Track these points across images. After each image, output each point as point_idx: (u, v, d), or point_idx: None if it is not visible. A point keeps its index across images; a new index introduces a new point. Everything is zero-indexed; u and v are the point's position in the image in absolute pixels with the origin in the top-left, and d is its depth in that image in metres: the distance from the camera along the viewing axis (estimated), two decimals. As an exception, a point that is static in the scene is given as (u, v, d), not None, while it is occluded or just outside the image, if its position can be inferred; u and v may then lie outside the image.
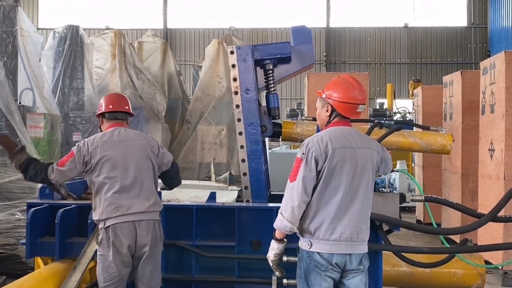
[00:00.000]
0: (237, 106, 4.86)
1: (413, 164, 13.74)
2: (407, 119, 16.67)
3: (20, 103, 7.21)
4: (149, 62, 11.78)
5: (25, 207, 4.78)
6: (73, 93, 8.47)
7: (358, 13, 25.52)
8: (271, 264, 3.60)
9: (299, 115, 16.61)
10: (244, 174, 4.87)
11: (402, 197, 4.17)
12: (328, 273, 3.38)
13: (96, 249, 4.08)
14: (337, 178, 3.36)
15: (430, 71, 25.25)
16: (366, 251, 3.48)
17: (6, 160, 6.76)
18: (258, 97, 5.01)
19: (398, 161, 12.67)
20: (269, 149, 11.83)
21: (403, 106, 18.78)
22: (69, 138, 8.23)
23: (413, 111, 13.39)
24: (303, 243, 3.46)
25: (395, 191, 4.02)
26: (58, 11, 25.89)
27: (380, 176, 4.08)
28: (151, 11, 25.98)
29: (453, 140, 5.43)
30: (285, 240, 3.53)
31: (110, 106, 4.19)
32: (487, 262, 5.71)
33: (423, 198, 4.22)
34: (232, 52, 4.87)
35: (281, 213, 3.41)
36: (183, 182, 4.77)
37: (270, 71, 4.99)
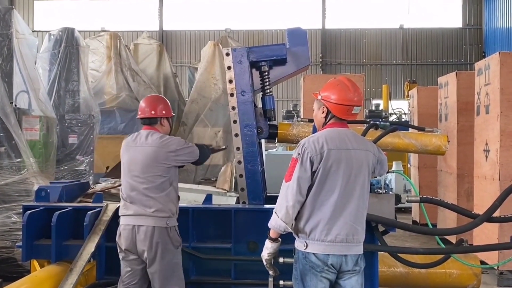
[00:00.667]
0: (233, 108, 4.86)
1: (409, 165, 13.77)
2: (403, 120, 16.70)
3: (15, 105, 7.19)
4: (145, 64, 11.77)
5: (21, 210, 4.78)
6: (68, 95, 8.45)
7: (353, 14, 25.56)
8: (265, 263, 3.63)
9: (295, 116, 16.61)
10: (240, 175, 4.88)
11: (398, 198, 4.19)
12: (324, 274, 3.39)
13: (92, 252, 4.09)
14: (332, 179, 3.38)
15: (426, 72, 25.31)
16: (362, 252, 3.49)
17: (2, 163, 6.77)
18: (254, 99, 5.02)
19: (394, 162, 12.71)
20: (265, 150, 11.83)
21: (399, 107, 18.81)
22: (65, 141, 8.21)
23: (409, 112, 13.43)
24: (298, 244, 3.48)
25: (390, 192, 4.03)
26: (53, 13, 25.84)
27: (376, 177, 4.09)
28: (146, 13, 25.96)
29: (449, 141, 5.44)
30: (279, 239, 3.55)
31: (139, 113, 4.44)
32: (482, 263, 5.73)
33: (419, 199, 4.23)
34: (227, 54, 4.87)
35: (275, 213, 3.43)
36: (181, 185, 4.81)
37: (266, 73, 5.00)
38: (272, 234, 3.52)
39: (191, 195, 5.49)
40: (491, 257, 6.64)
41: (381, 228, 4.19)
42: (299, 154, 3.43)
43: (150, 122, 4.38)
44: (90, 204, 4.81)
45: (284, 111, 19.03)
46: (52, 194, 4.83)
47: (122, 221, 4.16)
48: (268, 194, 5.38)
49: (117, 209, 4.53)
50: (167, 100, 4.55)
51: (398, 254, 4.32)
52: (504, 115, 6.80)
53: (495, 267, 6.72)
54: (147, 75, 11.26)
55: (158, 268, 4.07)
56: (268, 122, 5.14)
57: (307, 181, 3.39)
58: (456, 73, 8.78)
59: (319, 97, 3.61)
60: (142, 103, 4.44)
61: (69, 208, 4.57)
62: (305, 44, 5.10)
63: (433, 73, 24.24)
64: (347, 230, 3.39)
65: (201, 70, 11.36)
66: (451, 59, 25.27)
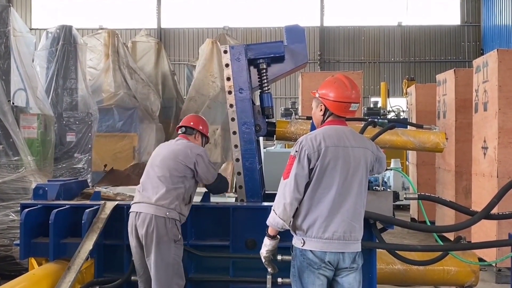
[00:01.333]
0: (231, 106, 4.86)
1: (407, 162, 13.77)
2: (401, 117, 16.71)
3: (13, 103, 7.18)
4: (143, 62, 11.78)
5: (19, 208, 4.77)
6: (66, 93, 8.44)
7: (352, 12, 25.55)
8: (263, 260, 3.64)
9: (293, 114, 16.61)
10: (239, 173, 4.88)
11: (396, 195, 4.19)
12: (322, 271, 3.39)
13: (90, 250, 4.10)
14: (330, 176, 3.38)
15: (424, 70, 25.32)
16: (359, 250, 3.49)
17: (0, 161, 6.76)
18: (252, 96, 5.01)
19: (392, 160, 12.72)
20: (264, 148, 11.83)
21: (397, 104, 18.83)
22: (63, 139, 8.21)
23: (407, 109, 13.43)
24: (296, 241, 3.48)
25: (388, 189, 4.02)
26: (51, 11, 25.79)
27: (374, 175, 4.08)
28: (144, 10, 25.92)
29: (447, 138, 5.45)
30: (278, 236, 3.56)
31: (181, 123, 4.83)
32: (480, 260, 5.73)
33: (417, 196, 4.24)
34: (225, 52, 4.87)
35: (273, 210, 3.44)
36: None
37: (264, 70, 4.99)
38: (270, 231, 3.53)
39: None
40: (489, 254, 6.65)
41: (379, 226, 4.19)
42: (296, 151, 3.44)
43: (186, 131, 4.70)
44: (88, 202, 4.80)
45: (282, 109, 19.06)
46: (50, 192, 4.82)
47: (130, 209, 4.33)
48: (266, 192, 5.38)
49: (115, 207, 4.53)
50: (207, 123, 4.91)
51: (396, 251, 4.33)
52: (502, 112, 6.80)
53: (493, 264, 6.72)
54: (145, 73, 11.26)
55: (153, 259, 4.12)
56: (266, 120, 5.13)
57: (305, 178, 3.39)
58: (454, 70, 8.78)
59: (317, 95, 3.62)
60: (186, 117, 4.85)
61: (67, 206, 4.56)
62: (303, 42, 5.10)
63: (431, 70, 24.26)
64: (345, 228, 3.39)
65: (199, 68, 11.38)
66: (449, 56, 25.27)
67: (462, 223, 4.05)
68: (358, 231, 3.47)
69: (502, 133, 6.79)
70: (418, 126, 5.81)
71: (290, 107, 18.71)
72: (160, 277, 4.13)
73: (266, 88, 5.06)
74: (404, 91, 18.07)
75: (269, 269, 3.73)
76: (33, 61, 8.03)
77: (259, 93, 5.18)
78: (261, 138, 6.58)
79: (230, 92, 4.85)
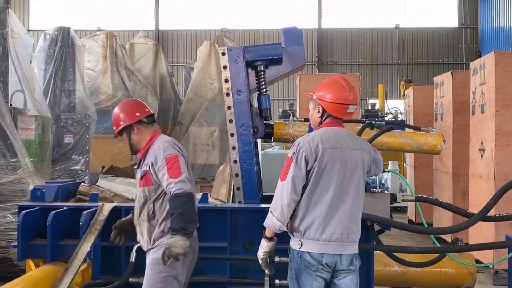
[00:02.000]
0: (229, 108, 4.86)
1: (404, 164, 13.79)
2: (399, 119, 16.73)
3: (11, 105, 7.17)
4: (141, 63, 11.78)
5: (17, 210, 4.76)
6: (64, 95, 8.44)
7: (349, 14, 25.58)
8: (261, 262, 3.63)
9: (291, 116, 16.62)
10: (236, 175, 4.88)
11: (393, 197, 4.20)
12: (319, 273, 3.39)
13: (88, 252, 4.08)
14: (327, 178, 3.39)
15: (421, 72, 25.35)
16: (357, 251, 3.50)
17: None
18: (249, 98, 5.02)
19: (389, 162, 12.74)
20: (261, 150, 11.84)
21: (395, 106, 18.86)
22: (61, 140, 8.20)
23: (405, 111, 13.46)
24: (293, 243, 3.48)
25: (386, 191, 4.03)
26: (49, 12, 25.77)
27: (371, 177, 4.10)
28: (142, 12, 25.91)
29: (444, 140, 5.46)
30: (275, 238, 3.56)
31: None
32: (478, 261, 5.75)
33: (414, 198, 4.25)
34: (223, 54, 4.87)
35: (271, 212, 3.44)
36: None
37: (262, 72, 5.00)
38: (267, 233, 3.53)
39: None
40: (486, 256, 6.66)
41: (376, 227, 4.20)
42: (294, 153, 3.45)
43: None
44: (85, 204, 4.80)
45: (280, 111, 19.06)
46: (48, 194, 4.82)
47: None
48: (264, 194, 5.39)
49: (113, 208, 4.53)
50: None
51: (394, 253, 4.33)
52: (499, 115, 6.82)
53: (490, 266, 6.74)
54: (143, 75, 11.26)
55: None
56: (264, 122, 5.14)
57: (302, 180, 3.40)
58: (452, 72, 8.80)
59: (315, 97, 3.62)
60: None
61: (64, 208, 4.56)
62: (301, 44, 5.11)
63: (429, 72, 24.29)
64: (342, 229, 3.40)
65: (197, 70, 11.38)
66: (447, 58, 25.32)
67: (460, 225, 4.06)
68: (356, 233, 3.48)
69: (499, 135, 6.81)
70: (416, 128, 5.82)
71: (288, 109, 18.70)
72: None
73: (264, 90, 5.07)
74: (402, 93, 18.10)
75: (266, 271, 3.72)
76: (31, 62, 8.04)
77: (257, 95, 5.19)
78: (259, 140, 6.59)
79: (228, 94, 4.86)
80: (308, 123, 5.06)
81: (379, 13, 25.41)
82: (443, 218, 8.58)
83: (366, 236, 4.30)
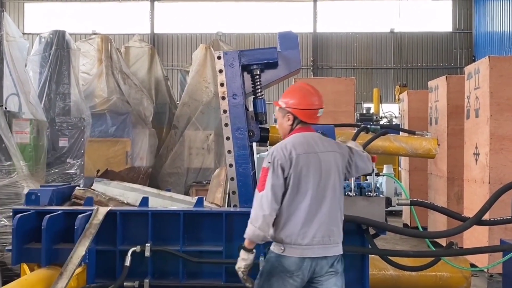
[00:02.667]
0: (224, 111, 4.87)
1: (399, 168, 13.83)
2: (393, 123, 16.77)
3: (5, 108, 7.14)
4: (136, 67, 11.77)
5: (11, 213, 4.74)
6: (59, 98, 8.41)
7: (344, 18, 25.66)
8: (241, 275, 3.58)
9: (287, 120, 16.59)
10: (232, 179, 4.88)
11: (388, 201, 4.21)
12: (292, 280, 3.42)
13: (83, 255, 4.07)
14: (304, 183, 3.42)
15: (416, 76, 25.44)
16: (341, 252, 3.51)
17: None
18: (245, 102, 5.03)
19: (384, 165, 12.77)
20: (257, 153, 11.85)
21: (390, 110, 18.91)
22: (56, 144, 8.17)
23: (399, 115, 13.49)
24: (275, 247, 3.50)
25: (381, 195, 4.04)
26: (44, 16, 25.73)
27: (358, 177, 4.10)
28: (138, 16, 25.90)
29: (439, 144, 5.48)
30: (254, 250, 3.55)
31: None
32: (472, 265, 5.76)
33: (409, 202, 4.26)
34: (219, 57, 4.88)
35: (251, 223, 3.44)
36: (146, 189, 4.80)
37: (257, 76, 5.01)
38: (248, 244, 3.52)
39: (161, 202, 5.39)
40: (481, 260, 6.68)
41: (371, 231, 4.20)
42: (269, 162, 3.46)
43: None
44: (80, 208, 4.79)
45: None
46: (43, 198, 4.80)
47: None
48: (259, 198, 5.37)
49: (108, 212, 4.52)
50: None
51: (389, 257, 4.34)
52: (493, 119, 6.85)
53: (485, 270, 6.75)
54: (138, 78, 11.25)
55: None
56: (260, 125, 5.15)
57: (281, 188, 3.42)
58: (446, 77, 8.83)
59: (283, 105, 3.65)
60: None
61: (59, 212, 4.55)
62: (296, 48, 5.12)
63: (424, 77, 24.39)
64: (323, 232, 3.41)
65: (192, 73, 11.38)
66: (442, 63, 25.42)
67: (454, 229, 4.07)
68: (337, 234, 3.49)
69: (494, 139, 6.84)
70: (411, 132, 5.85)
71: (283, 112, 18.69)
72: None
73: (259, 94, 5.07)
74: (397, 97, 18.14)
75: (247, 284, 3.65)
76: (26, 66, 8.01)
77: (252, 99, 5.20)
78: (254, 144, 6.60)
79: (223, 98, 4.86)
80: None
81: (374, 18, 25.50)
82: (438, 222, 8.60)
83: (361, 240, 4.31)
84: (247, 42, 25.25)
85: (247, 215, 4.65)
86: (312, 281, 3.48)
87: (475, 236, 6.97)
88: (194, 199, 5.14)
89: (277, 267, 3.42)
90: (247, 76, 5.02)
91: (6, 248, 5.02)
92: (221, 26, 25.04)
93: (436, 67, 25.09)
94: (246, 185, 4.86)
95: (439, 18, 25.52)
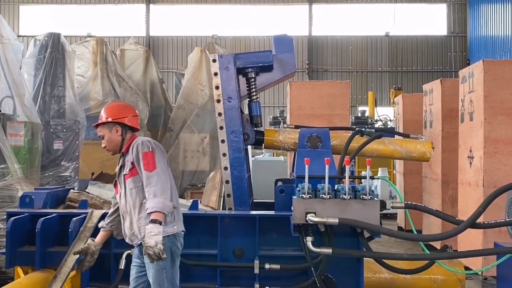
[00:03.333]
0: (220, 114, 4.87)
1: (394, 171, 13.85)
2: (388, 126, 16.81)
3: (0, 111, 7.13)
4: (131, 69, 11.75)
5: (5, 216, 4.73)
6: (54, 101, 8.39)
7: (340, 22, 25.73)
8: (158, 253, 3.51)
9: (282, 123, 16.62)
10: (227, 182, 4.88)
11: (383, 204, 4.21)
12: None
13: (77, 259, 4.06)
14: None
15: (411, 79, 25.54)
16: None
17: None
18: (240, 105, 5.03)
19: (379, 168, 12.78)
20: (252, 156, 11.85)
21: (384, 114, 18.96)
22: (50, 146, 8.15)
23: (394, 118, 13.53)
24: (169, 229, 3.70)
25: (376, 198, 4.05)
26: (39, 18, 25.68)
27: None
28: (133, 18, 25.90)
29: (433, 148, 5.49)
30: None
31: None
32: (467, 268, 5.77)
33: (404, 205, 4.26)
34: (214, 60, 4.89)
35: (161, 197, 3.62)
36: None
37: (252, 79, 5.02)
38: (160, 217, 3.61)
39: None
40: (475, 263, 6.69)
41: (366, 234, 4.21)
42: (151, 147, 3.79)
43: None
44: (75, 211, 4.78)
45: (271, 118, 19.07)
46: (37, 201, 4.79)
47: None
48: (254, 201, 5.39)
49: (102, 215, 4.51)
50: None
51: (383, 260, 4.35)
52: (487, 122, 6.87)
53: (479, 273, 6.77)
54: (134, 81, 11.23)
55: None
56: (255, 128, 5.15)
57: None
58: (441, 80, 8.86)
59: (109, 119, 3.96)
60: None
61: (53, 215, 4.54)
62: (292, 51, 5.14)
63: (418, 80, 24.48)
64: None
65: (187, 76, 11.38)
66: (436, 66, 25.52)
67: (449, 232, 4.08)
68: None
69: (488, 142, 6.86)
70: (405, 135, 5.86)
71: (278, 116, 18.72)
72: None
73: (254, 97, 5.08)
74: (391, 100, 18.20)
75: (164, 256, 3.56)
76: (20, 68, 7.99)
77: (247, 102, 5.21)
78: (249, 147, 6.60)
79: (218, 101, 4.86)
80: (299, 130, 5.10)
81: (369, 21, 25.59)
82: (432, 225, 8.61)
83: (356, 243, 4.32)
84: (243, 45, 25.29)
85: (242, 218, 4.68)
86: None
87: (469, 239, 6.98)
88: (189, 202, 5.13)
89: (177, 249, 3.75)
90: (242, 79, 5.03)
91: (0, 251, 5.00)
92: (216, 29, 25.02)
93: (431, 71, 25.19)
94: (241, 188, 4.86)
95: (434, 22, 25.64)
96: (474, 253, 4.84)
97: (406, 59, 25.69)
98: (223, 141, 4.88)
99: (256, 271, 4.29)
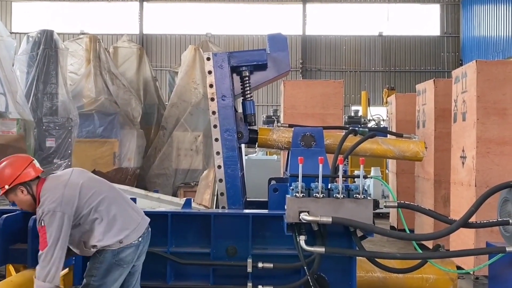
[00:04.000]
0: (213, 113, 4.87)
1: (387, 171, 13.88)
2: (381, 126, 16.84)
3: (-8, 108, 7.10)
4: (125, 67, 11.72)
5: (-3, 214, 4.69)
6: (46, 98, 8.36)
7: (333, 21, 25.78)
8: None
9: (275, 121, 16.61)
10: (220, 180, 4.88)
11: (376, 203, 4.22)
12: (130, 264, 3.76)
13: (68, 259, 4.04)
14: None
15: (404, 79, 25.62)
16: None
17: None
18: (234, 103, 5.03)
19: (372, 168, 12.80)
20: (245, 155, 11.85)
21: (378, 113, 18.99)
22: (43, 144, 8.12)
23: (387, 118, 13.55)
24: (113, 245, 3.65)
25: (368, 197, 4.06)
26: (32, 15, 25.55)
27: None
28: (127, 16, 25.82)
29: (426, 147, 5.51)
30: None
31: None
32: (459, 268, 5.80)
33: (396, 204, 4.27)
34: (208, 59, 4.88)
35: (39, 280, 3.50)
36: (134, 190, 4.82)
37: (246, 78, 5.02)
38: None
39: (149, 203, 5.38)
40: (467, 262, 6.72)
41: (359, 233, 4.22)
42: (42, 221, 3.53)
43: None
44: (67, 208, 4.74)
45: (265, 116, 19.08)
46: (29, 198, 4.75)
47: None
48: (248, 199, 5.39)
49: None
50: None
51: (376, 259, 4.36)
52: (480, 122, 6.90)
53: (471, 272, 6.79)
54: (127, 79, 11.21)
55: None
56: (249, 127, 5.15)
57: None
58: (434, 80, 8.88)
59: (7, 187, 3.57)
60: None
61: (46, 212, 4.50)
62: (286, 50, 5.14)
63: (412, 80, 24.56)
64: None
65: (181, 74, 11.36)
66: (429, 66, 25.62)
67: (441, 232, 4.09)
68: None
69: (480, 142, 6.89)
70: (398, 135, 5.88)
71: (272, 114, 18.73)
72: None
73: (248, 95, 5.08)
74: (385, 100, 18.24)
75: None
76: (13, 65, 7.96)
77: (241, 101, 5.20)
78: (243, 145, 6.60)
79: (212, 99, 4.86)
80: (292, 129, 5.10)
81: (362, 21, 25.65)
82: (425, 225, 8.64)
83: (349, 242, 4.32)
84: (237, 44, 25.27)
85: (235, 216, 4.68)
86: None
87: (462, 239, 7.01)
88: (182, 201, 5.12)
89: (115, 263, 3.67)
90: (236, 78, 5.03)
91: (-9, 249, 4.97)
92: (210, 27, 25.00)
93: (424, 71, 25.28)
94: (235, 187, 4.86)
95: (427, 22, 25.73)
96: (466, 253, 4.88)
97: (399, 59, 25.78)
98: (216, 140, 4.88)
99: (249, 269, 4.29)
